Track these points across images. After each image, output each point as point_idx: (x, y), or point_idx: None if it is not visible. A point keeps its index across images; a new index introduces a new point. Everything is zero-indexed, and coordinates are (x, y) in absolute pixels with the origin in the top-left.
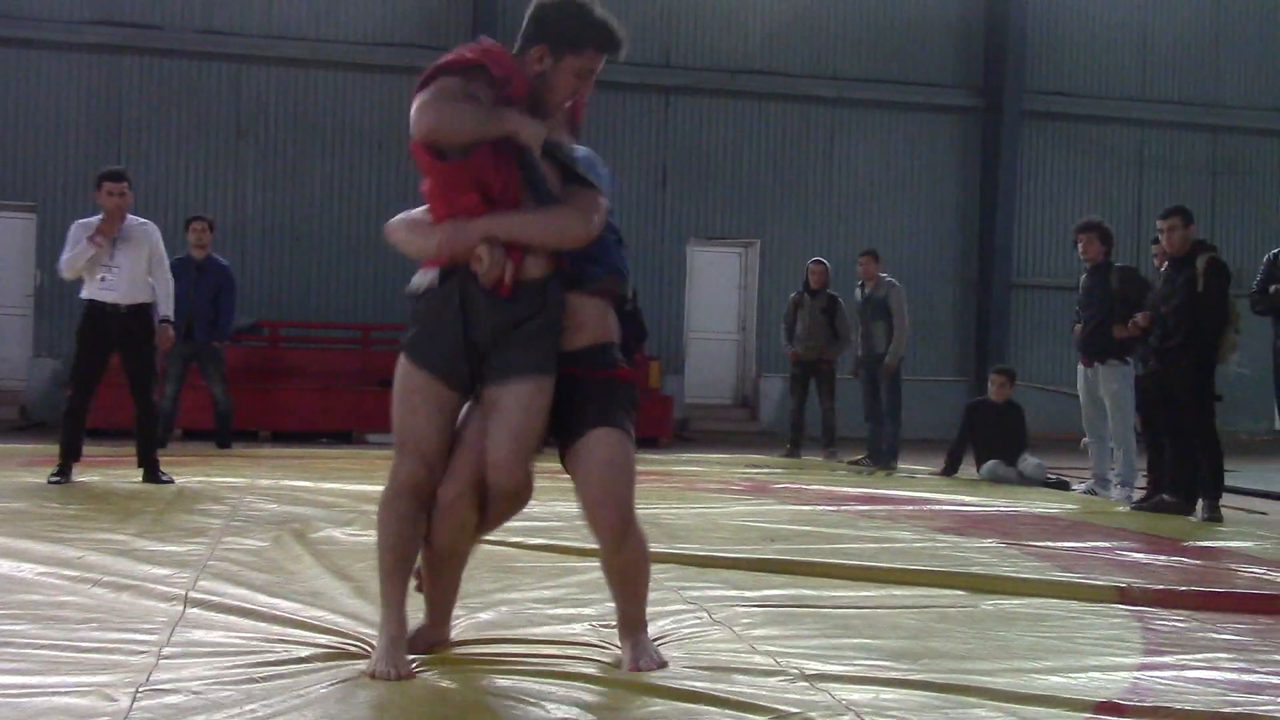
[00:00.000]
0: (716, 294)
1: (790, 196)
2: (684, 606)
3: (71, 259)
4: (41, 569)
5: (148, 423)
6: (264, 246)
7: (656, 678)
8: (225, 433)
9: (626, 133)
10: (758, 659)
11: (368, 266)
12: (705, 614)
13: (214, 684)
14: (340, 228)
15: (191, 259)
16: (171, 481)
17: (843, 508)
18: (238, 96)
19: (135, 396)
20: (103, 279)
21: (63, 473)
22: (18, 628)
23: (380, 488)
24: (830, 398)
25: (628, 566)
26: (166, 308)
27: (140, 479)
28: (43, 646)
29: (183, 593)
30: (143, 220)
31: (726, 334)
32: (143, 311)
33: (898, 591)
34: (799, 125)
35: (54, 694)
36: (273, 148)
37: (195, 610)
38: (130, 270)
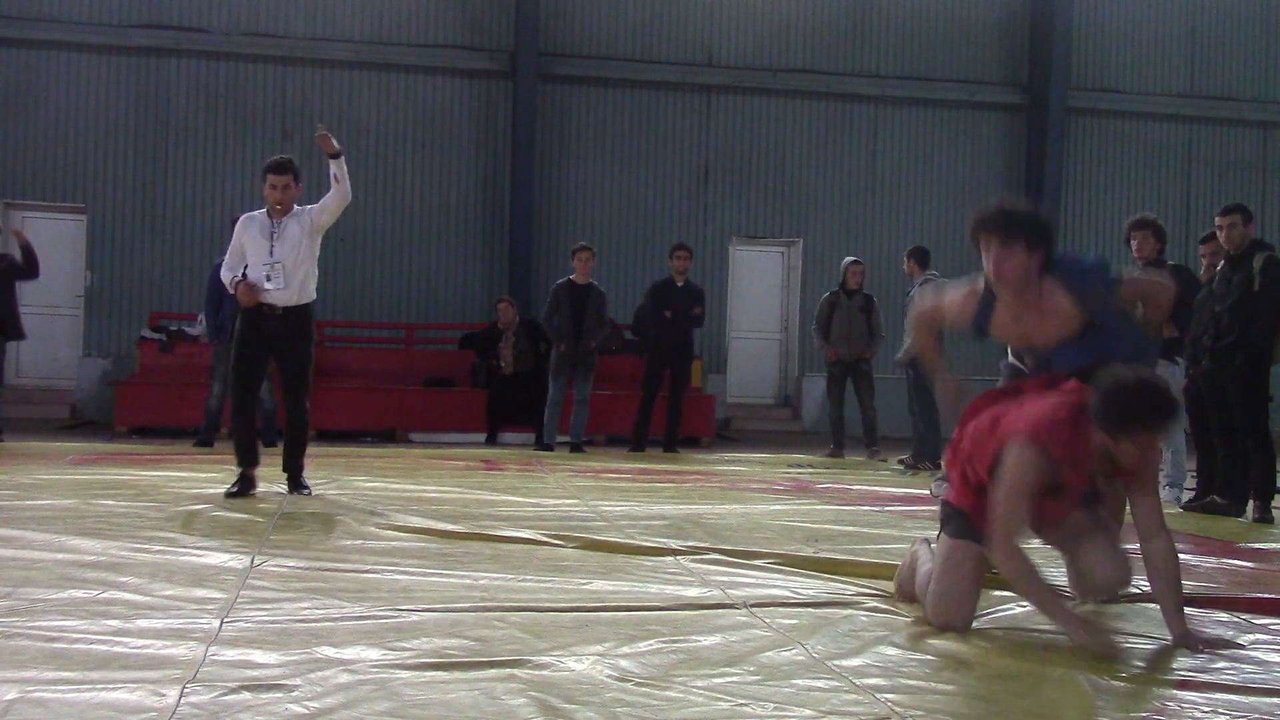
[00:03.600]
0: (759, 293)
1: (833, 195)
2: (729, 604)
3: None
4: (90, 564)
5: (298, 430)
6: None
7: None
8: (271, 431)
9: (669, 132)
10: (797, 655)
11: (411, 267)
12: (746, 611)
13: (262, 680)
14: (385, 229)
15: None
16: (309, 492)
17: (886, 508)
18: (283, 98)
19: (288, 402)
20: (267, 278)
21: (241, 484)
22: (68, 623)
23: (425, 488)
24: (870, 397)
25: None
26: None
27: (286, 488)
28: (93, 642)
29: (232, 595)
30: (304, 207)
31: (768, 333)
32: (303, 312)
33: None
34: (841, 123)
35: (103, 689)
36: (318, 149)
37: (245, 606)
38: (293, 267)
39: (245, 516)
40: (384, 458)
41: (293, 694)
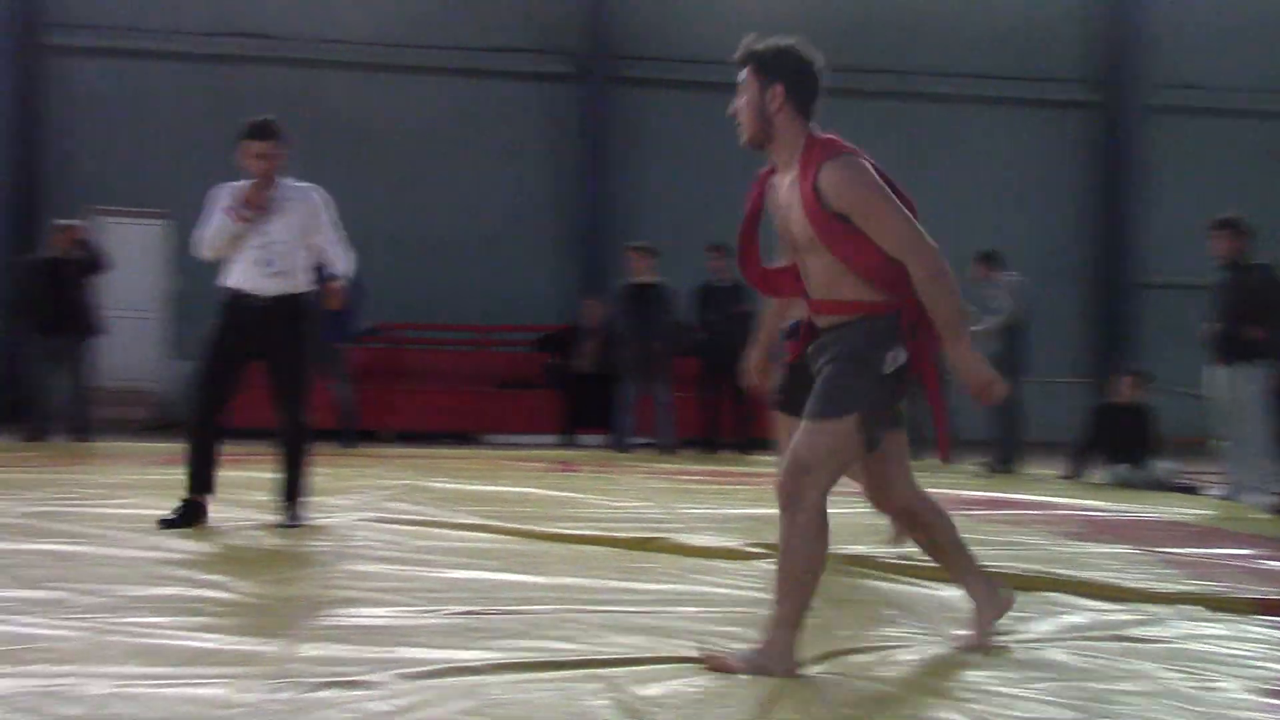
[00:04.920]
0: None
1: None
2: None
3: (212, 236)
4: (178, 562)
5: (294, 448)
6: (385, 251)
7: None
8: (350, 433)
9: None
10: (871, 659)
11: (485, 271)
12: (818, 611)
13: (345, 677)
14: (461, 232)
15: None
16: (300, 523)
17: (966, 512)
18: (355, 104)
19: (280, 414)
20: (254, 261)
21: (181, 512)
22: (159, 620)
23: (502, 489)
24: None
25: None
26: (339, 266)
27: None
28: (183, 639)
29: (317, 593)
30: (304, 184)
31: None
32: (295, 304)
33: (1021, 597)
34: (914, 124)
35: (192, 685)
36: (392, 154)
37: (329, 605)
38: (292, 248)
39: (328, 516)
40: (461, 459)
41: (375, 691)
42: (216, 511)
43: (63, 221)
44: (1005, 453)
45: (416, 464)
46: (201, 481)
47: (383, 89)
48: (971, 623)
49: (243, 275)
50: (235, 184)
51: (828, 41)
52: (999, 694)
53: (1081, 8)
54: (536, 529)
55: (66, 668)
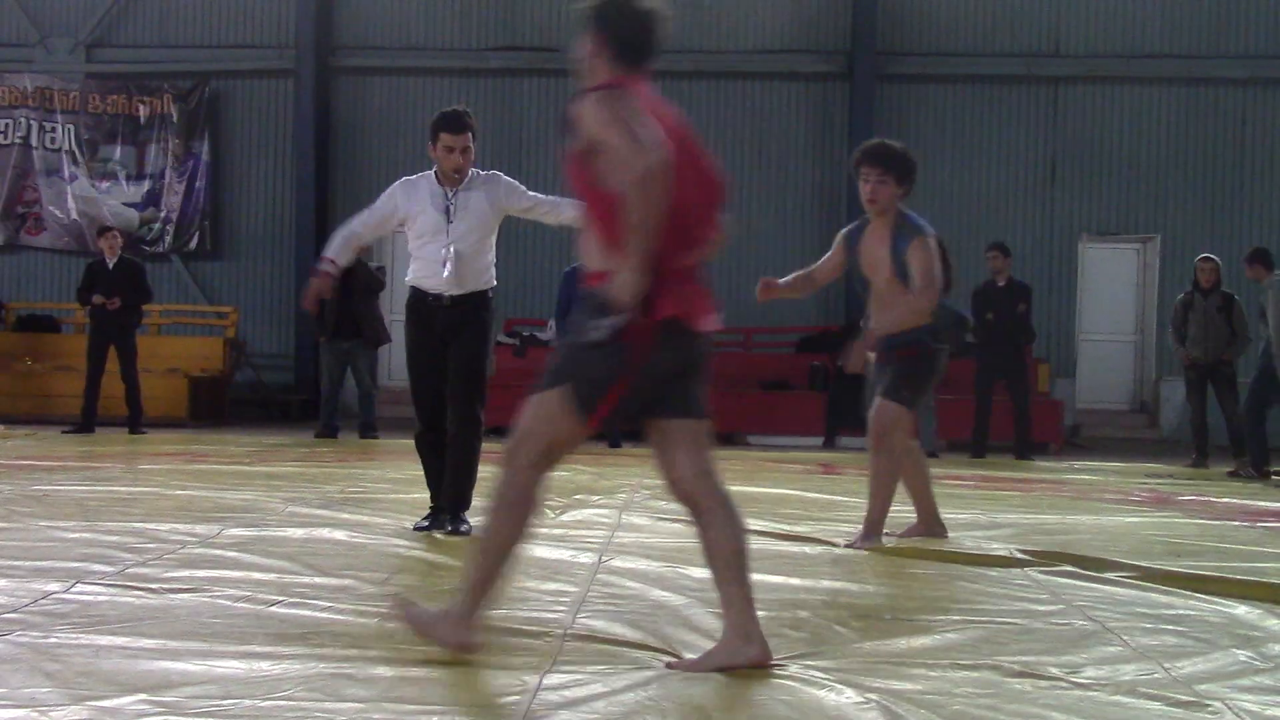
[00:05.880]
0: (1112, 293)
1: (1194, 188)
2: (1082, 619)
3: (340, 239)
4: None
5: (466, 448)
6: None
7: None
8: (616, 433)
9: (1012, 127)
10: (1155, 675)
11: (749, 272)
12: (1098, 624)
13: (611, 676)
14: (726, 234)
15: (586, 267)
16: (468, 530)
17: (1260, 523)
18: None
19: (454, 409)
20: (443, 264)
21: (432, 518)
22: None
23: (764, 489)
24: (1233, 403)
25: None
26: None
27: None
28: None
29: (583, 589)
30: (488, 173)
31: (1122, 335)
32: (479, 300)
33: None
34: (1204, 110)
35: (469, 671)
36: None
37: (595, 601)
38: (475, 251)
39: (590, 513)
40: (723, 459)
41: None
42: None
43: None
44: (1257, 457)
45: None
46: (436, 486)
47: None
48: (716, 649)
49: (424, 274)
50: (418, 178)
51: (1114, 29)
52: None
53: None
54: (799, 530)
55: (354, 651)
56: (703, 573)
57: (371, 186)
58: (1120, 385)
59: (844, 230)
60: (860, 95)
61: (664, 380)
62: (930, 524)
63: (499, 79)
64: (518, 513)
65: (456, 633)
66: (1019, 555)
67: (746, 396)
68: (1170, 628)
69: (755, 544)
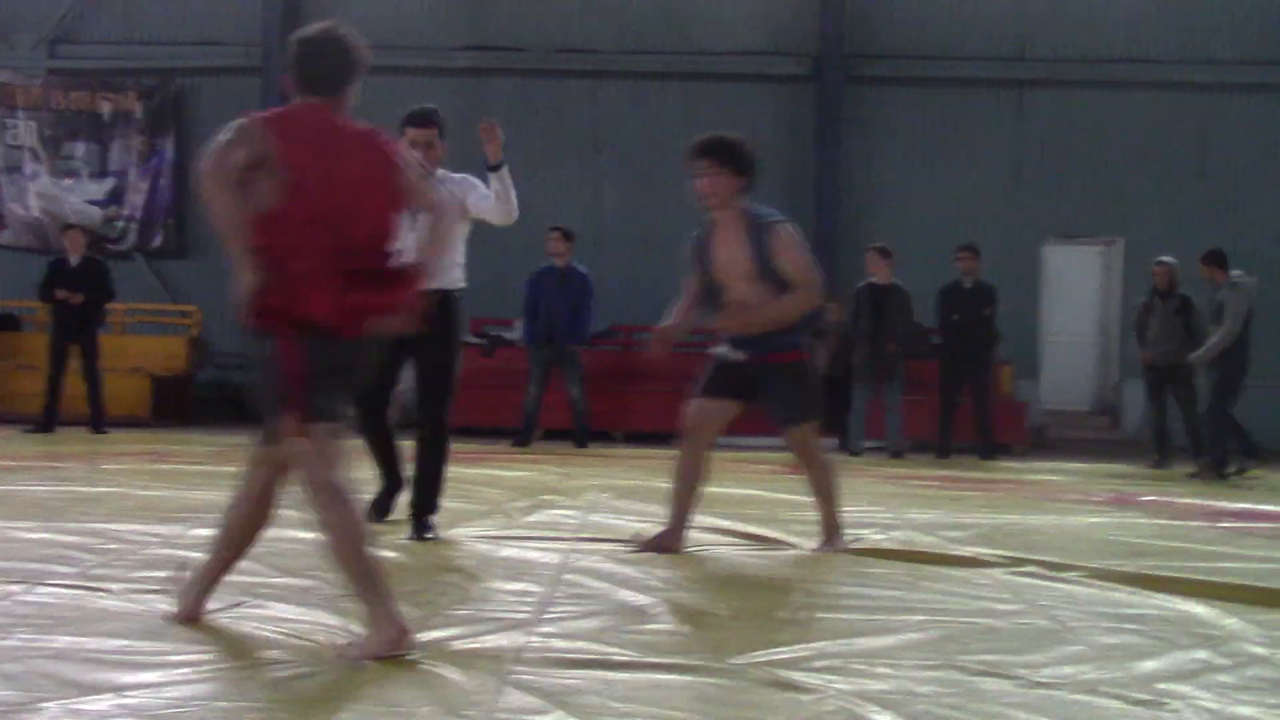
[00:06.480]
0: (1075, 295)
1: (1158, 192)
2: (1041, 618)
3: None
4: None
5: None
6: (619, 254)
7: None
8: (583, 433)
9: (979, 130)
10: (1117, 673)
11: None
12: (1060, 624)
13: (573, 676)
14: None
15: (555, 268)
16: (434, 535)
17: (1219, 524)
18: (595, 112)
19: (422, 415)
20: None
21: (375, 505)
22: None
23: (731, 490)
24: (1191, 405)
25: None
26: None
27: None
28: (429, 628)
29: (549, 590)
30: (460, 175)
31: (1086, 337)
32: (447, 301)
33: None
34: (1167, 114)
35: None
36: (629, 159)
37: (561, 601)
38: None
39: (556, 514)
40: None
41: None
42: (457, 509)
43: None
44: (1216, 458)
45: (647, 464)
46: (388, 474)
47: (619, 96)
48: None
49: None
50: None
51: (1073, 34)
52: None
53: None
54: (765, 533)
55: (316, 653)
56: (666, 571)
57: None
58: (1084, 387)
59: (690, 239)
60: (828, 98)
61: (344, 375)
62: (676, 534)
63: (466, 78)
64: (248, 508)
65: (187, 604)
66: (982, 555)
67: None
68: (1131, 627)
69: (721, 546)
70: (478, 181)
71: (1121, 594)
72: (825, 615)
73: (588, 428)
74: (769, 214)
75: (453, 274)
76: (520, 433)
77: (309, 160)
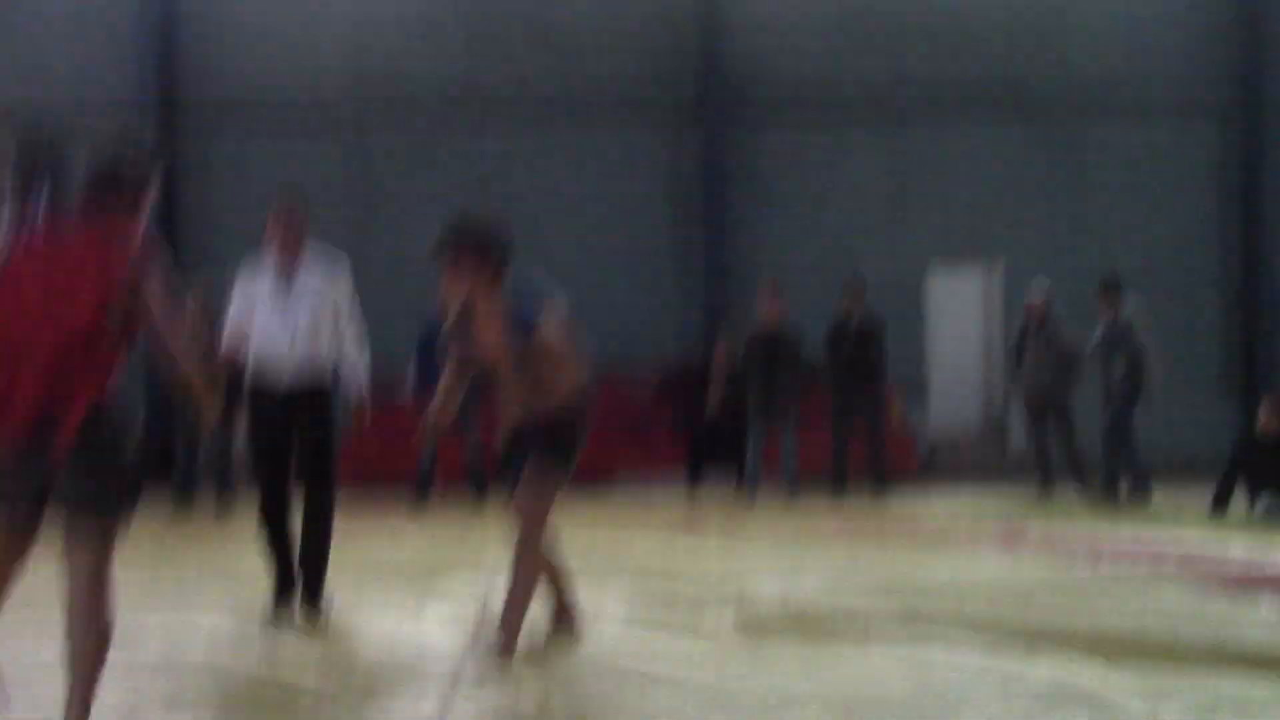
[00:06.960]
0: (959, 319)
1: (1035, 213)
2: (934, 690)
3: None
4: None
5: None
6: None
7: None
8: (480, 480)
9: (858, 161)
10: None
11: (605, 313)
12: (955, 696)
13: None
14: (581, 277)
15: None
16: (326, 615)
17: (1099, 566)
18: (474, 156)
19: (307, 493)
20: (276, 342)
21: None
22: None
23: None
24: (1066, 433)
25: None
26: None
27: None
28: None
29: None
30: (328, 255)
31: (970, 360)
32: (321, 391)
33: (1167, 680)
34: (1040, 138)
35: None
36: (512, 204)
37: None
38: (313, 330)
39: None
40: (588, 508)
41: None
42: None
43: None
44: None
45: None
46: (283, 574)
47: (506, 141)
48: None
49: (264, 355)
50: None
51: (948, 59)
52: None
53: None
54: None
55: None
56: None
57: (222, 237)
58: (970, 409)
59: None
60: (710, 141)
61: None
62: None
63: (350, 132)
64: None
65: None
66: (874, 623)
67: (609, 437)
68: (1019, 694)
69: (631, 638)
70: (340, 266)
71: (1010, 662)
72: (714, 703)
73: (485, 480)
74: (528, 307)
75: (327, 355)
76: (418, 487)
77: None
